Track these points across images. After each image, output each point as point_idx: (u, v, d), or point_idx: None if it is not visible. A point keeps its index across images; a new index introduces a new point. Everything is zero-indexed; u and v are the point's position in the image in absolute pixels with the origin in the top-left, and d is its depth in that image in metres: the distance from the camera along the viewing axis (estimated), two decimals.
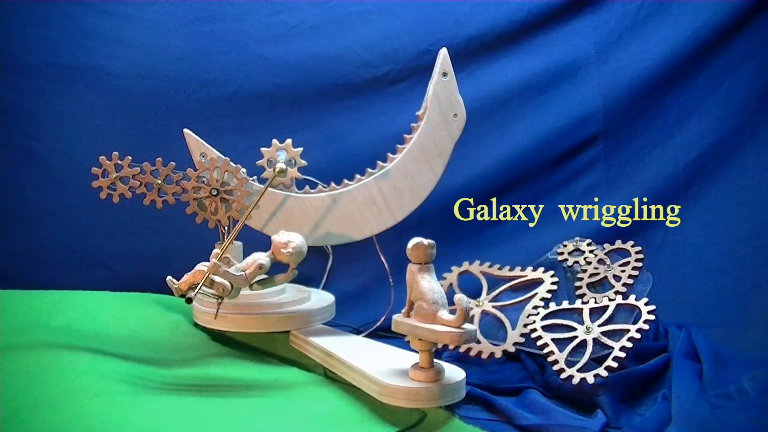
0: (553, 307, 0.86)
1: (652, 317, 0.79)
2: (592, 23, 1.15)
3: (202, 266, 0.70)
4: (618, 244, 0.96)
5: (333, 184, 0.89)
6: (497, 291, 0.92)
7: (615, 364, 0.75)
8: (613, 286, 0.89)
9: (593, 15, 1.15)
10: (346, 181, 0.88)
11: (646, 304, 0.81)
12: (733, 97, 1.12)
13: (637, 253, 0.93)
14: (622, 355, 0.76)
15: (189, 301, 0.69)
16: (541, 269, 0.94)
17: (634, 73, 1.14)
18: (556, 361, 0.78)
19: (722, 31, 1.11)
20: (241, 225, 0.79)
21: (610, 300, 0.84)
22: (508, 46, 1.15)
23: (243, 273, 0.72)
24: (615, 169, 1.16)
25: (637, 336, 0.77)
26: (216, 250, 0.73)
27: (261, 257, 0.74)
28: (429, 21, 1.13)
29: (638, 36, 1.14)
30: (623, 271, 0.91)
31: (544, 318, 0.85)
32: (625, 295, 0.86)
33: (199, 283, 0.69)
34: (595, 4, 1.15)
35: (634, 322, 0.79)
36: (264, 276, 0.76)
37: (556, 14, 1.15)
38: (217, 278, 0.70)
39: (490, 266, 0.96)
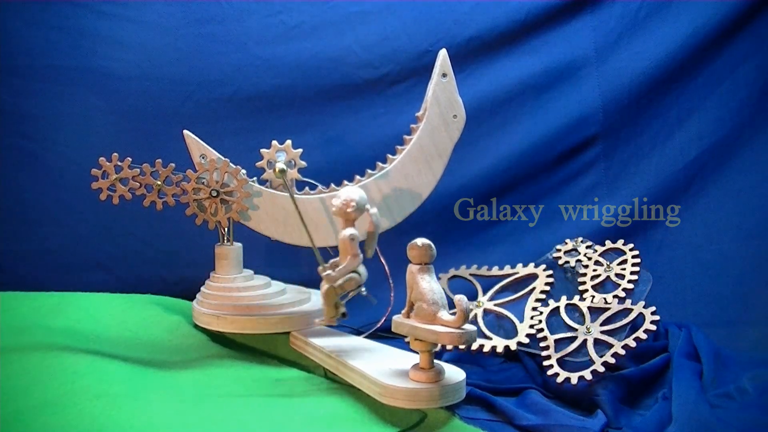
0: (552, 304, 0.86)
1: (656, 317, 0.79)
2: (591, 23, 1.15)
3: (323, 288, 0.74)
4: (608, 244, 0.95)
5: (333, 186, 0.89)
6: (493, 290, 0.93)
7: (613, 360, 0.75)
8: (618, 285, 0.89)
9: (593, 15, 1.15)
10: (345, 182, 0.88)
11: (646, 306, 0.81)
12: (733, 97, 1.12)
13: (631, 250, 0.92)
14: (622, 352, 0.76)
15: (345, 315, 0.76)
16: (532, 264, 0.94)
17: (633, 73, 1.14)
18: (551, 366, 0.78)
19: (722, 31, 1.11)
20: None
21: (608, 302, 0.84)
22: (507, 47, 1.15)
23: (347, 258, 0.73)
24: (615, 169, 1.16)
25: (644, 336, 0.77)
26: (320, 268, 0.76)
27: (346, 232, 0.73)
28: (429, 21, 1.13)
29: (638, 36, 1.14)
30: (623, 269, 0.91)
31: (548, 317, 0.85)
32: (627, 295, 0.86)
33: (338, 299, 0.75)
34: (594, 4, 1.15)
35: (635, 328, 0.79)
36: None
37: (555, 14, 1.15)
38: (340, 281, 0.73)
39: (478, 268, 0.97)
